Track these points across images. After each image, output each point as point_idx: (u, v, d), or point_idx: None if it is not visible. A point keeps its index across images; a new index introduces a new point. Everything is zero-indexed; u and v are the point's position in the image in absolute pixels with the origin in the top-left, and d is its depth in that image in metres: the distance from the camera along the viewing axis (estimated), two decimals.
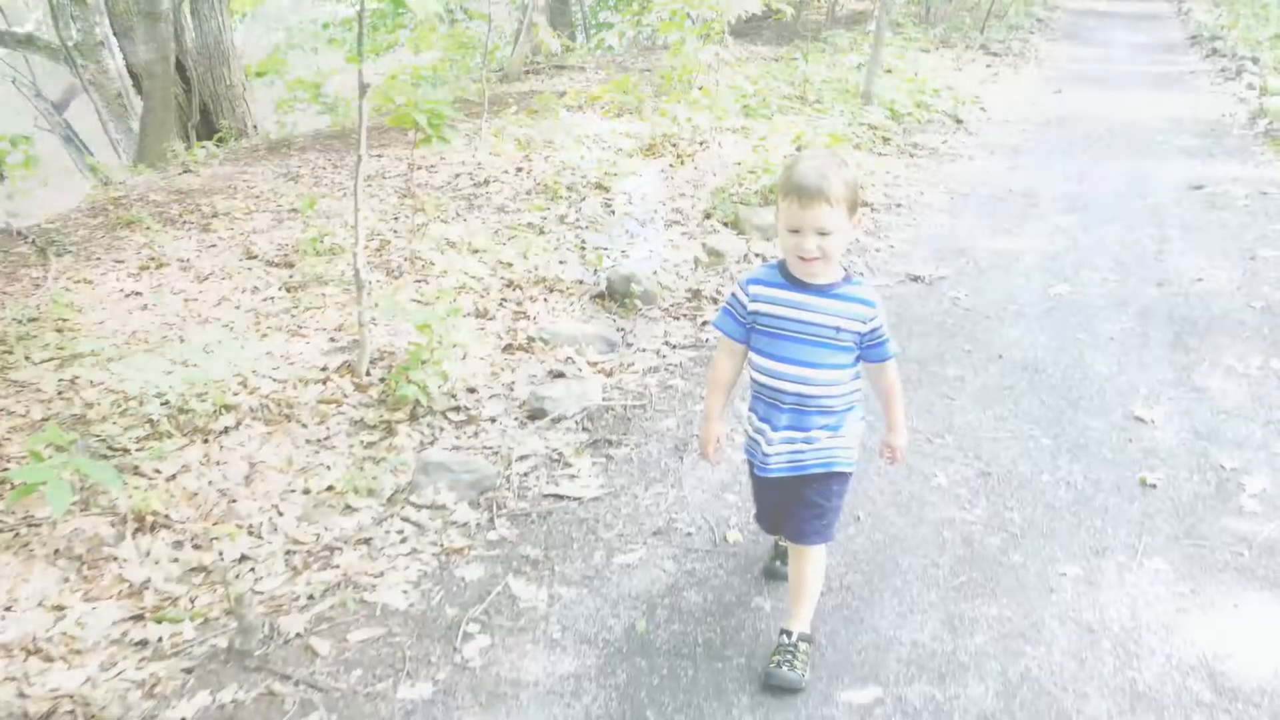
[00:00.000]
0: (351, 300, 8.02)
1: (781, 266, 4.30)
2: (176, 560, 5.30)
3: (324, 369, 7.27)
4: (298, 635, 4.83)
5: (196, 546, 5.42)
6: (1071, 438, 6.72)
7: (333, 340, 7.76)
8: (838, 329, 4.22)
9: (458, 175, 12.27)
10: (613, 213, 10.88)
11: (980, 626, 4.89)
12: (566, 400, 6.99)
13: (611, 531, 5.71)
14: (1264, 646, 4.76)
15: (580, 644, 4.80)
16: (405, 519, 5.76)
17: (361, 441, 6.51)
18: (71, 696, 4.35)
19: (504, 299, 8.69)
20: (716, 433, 4.66)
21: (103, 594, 5.03)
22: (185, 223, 10.62)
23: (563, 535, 5.68)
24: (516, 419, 6.92)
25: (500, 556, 5.48)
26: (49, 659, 4.58)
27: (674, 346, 8.18)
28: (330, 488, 6.01)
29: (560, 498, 6.07)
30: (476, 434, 6.74)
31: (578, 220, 10.66)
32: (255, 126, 17.62)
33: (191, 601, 5.04)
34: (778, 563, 5.25)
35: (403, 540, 5.59)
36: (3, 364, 7.19)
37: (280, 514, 5.75)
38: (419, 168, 12.47)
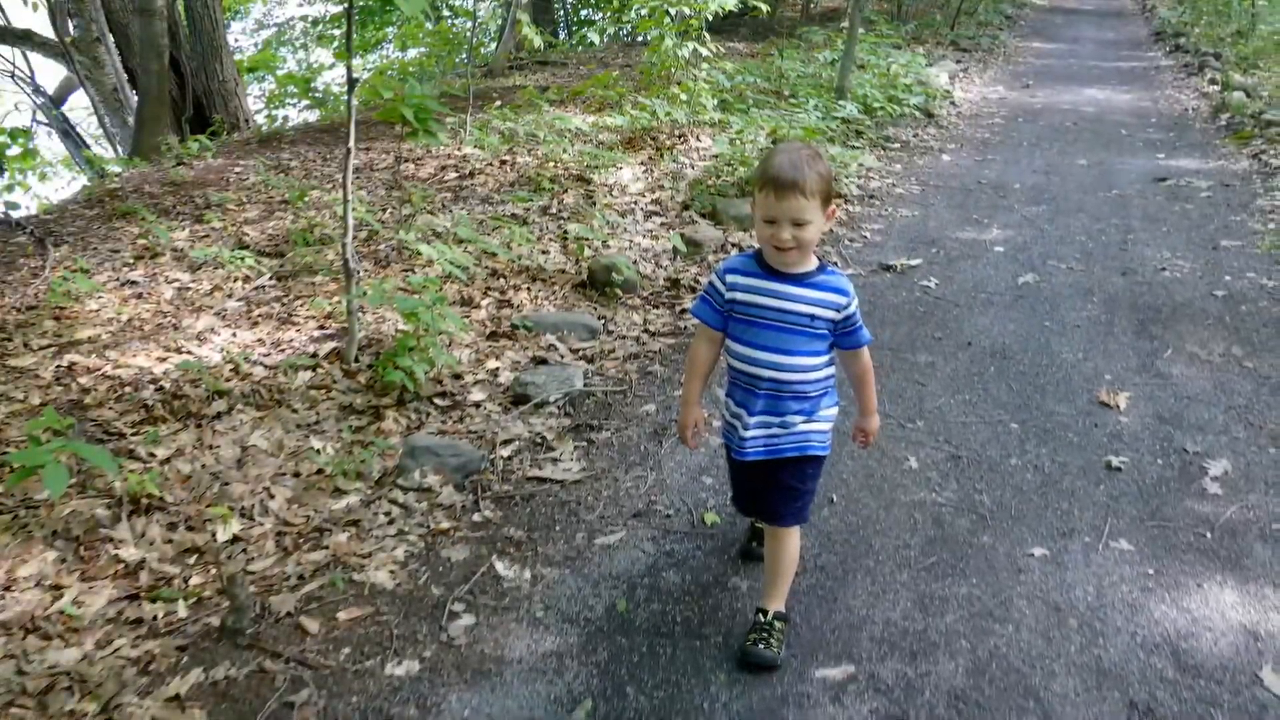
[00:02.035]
0: (340, 289, 8.01)
1: (758, 256, 4.30)
2: (171, 541, 5.29)
3: (314, 355, 7.26)
4: (288, 614, 4.82)
5: (190, 528, 5.42)
6: (1039, 422, 6.73)
7: (322, 328, 7.75)
8: (812, 317, 4.22)
9: (443, 168, 12.26)
10: (594, 204, 10.86)
11: (950, 606, 4.90)
12: (549, 386, 6.98)
13: (593, 514, 5.71)
14: (1225, 625, 4.77)
15: (562, 623, 4.80)
16: (393, 501, 5.76)
17: (350, 426, 6.50)
18: (69, 673, 4.34)
19: (488, 288, 8.68)
20: (695, 418, 4.66)
21: (99, 574, 5.02)
22: (179, 214, 10.62)
23: (545, 517, 5.68)
24: (500, 404, 6.92)
25: (485, 538, 5.48)
26: (47, 637, 4.57)
27: (653, 334, 8.18)
28: (320, 471, 6.00)
29: (543, 481, 6.06)
30: (462, 419, 6.73)
31: (560, 211, 10.65)
32: (247, 120, 17.64)
33: (185, 581, 5.03)
34: (754, 544, 5.25)
35: (390, 522, 5.59)
36: (2, 351, 7.17)
37: (271, 496, 5.74)
38: (406, 161, 12.47)
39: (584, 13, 36.71)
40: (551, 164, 12.16)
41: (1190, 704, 4.27)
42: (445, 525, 5.57)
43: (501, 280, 8.86)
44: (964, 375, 7.44)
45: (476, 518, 5.67)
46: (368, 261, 9.01)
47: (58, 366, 6.97)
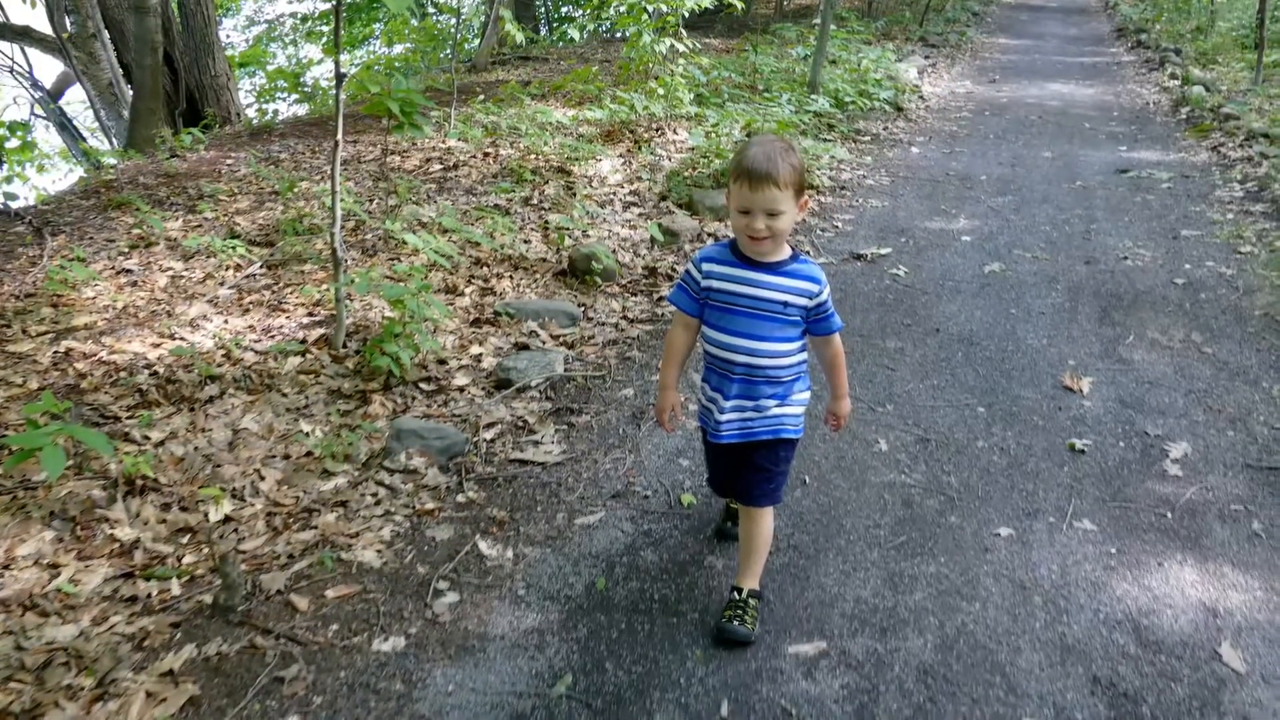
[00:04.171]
0: (329, 277, 8.01)
1: (733, 245, 4.30)
2: (164, 521, 5.28)
3: (303, 341, 7.24)
4: (278, 592, 4.82)
5: (183, 508, 5.41)
6: (1005, 406, 6.74)
7: (311, 315, 7.73)
8: (785, 304, 4.22)
9: (428, 160, 12.25)
10: (574, 195, 10.86)
11: (919, 584, 4.90)
12: (531, 371, 6.97)
13: (573, 494, 5.71)
14: (1185, 602, 4.78)
15: (544, 600, 4.80)
16: (379, 483, 5.75)
17: (338, 410, 6.49)
18: (66, 649, 4.33)
19: (472, 276, 8.67)
20: (671, 402, 4.65)
21: (95, 553, 5.01)
22: (173, 204, 10.59)
23: (527, 498, 5.68)
24: (484, 389, 6.91)
25: (468, 518, 5.48)
26: (45, 614, 4.56)
27: (632, 321, 8.18)
28: (309, 453, 5.99)
29: (525, 463, 6.06)
30: (446, 403, 6.72)
31: (541, 202, 10.65)
32: (238, 114, 17.64)
33: (179, 560, 5.02)
34: (729, 524, 5.26)
35: (377, 503, 5.58)
36: (1, 337, 7.15)
37: (262, 478, 5.73)
38: (392, 153, 12.45)
39: (564, 9, 36.72)
40: (533, 156, 12.15)
41: (1152, 679, 4.28)
42: (430, 506, 5.56)
43: (485, 269, 8.85)
44: (932, 361, 7.44)
45: (460, 498, 5.66)
46: (355, 250, 8.99)
47: (55, 352, 6.95)
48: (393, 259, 8.75)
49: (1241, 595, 4.84)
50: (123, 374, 6.67)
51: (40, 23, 19.09)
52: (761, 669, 4.33)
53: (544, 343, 7.62)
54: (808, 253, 9.44)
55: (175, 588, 4.82)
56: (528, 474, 5.94)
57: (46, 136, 22.38)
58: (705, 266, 4.33)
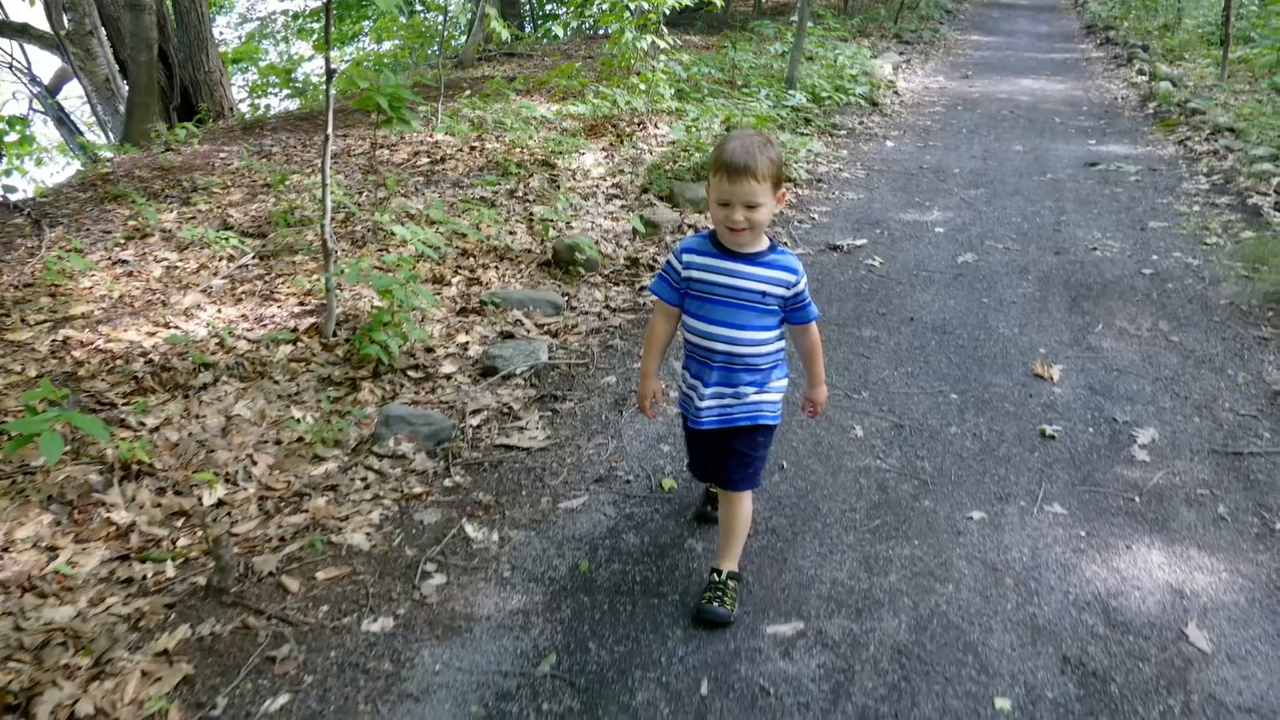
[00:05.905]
0: (319, 267, 7.99)
1: (712, 236, 4.29)
2: (159, 505, 5.27)
3: (294, 330, 7.23)
4: (270, 574, 4.81)
5: (178, 493, 5.40)
6: (977, 393, 6.74)
7: (302, 304, 7.72)
8: (764, 294, 4.22)
9: (416, 153, 12.23)
10: (558, 188, 10.85)
11: (894, 566, 4.90)
12: (516, 359, 6.97)
13: (557, 479, 5.70)
14: (1153, 584, 4.79)
15: (528, 582, 4.79)
16: (368, 467, 5.74)
17: (328, 397, 6.48)
18: (63, 630, 4.32)
19: (459, 266, 8.66)
20: (653, 389, 4.64)
21: (92, 536, 5.00)
22: (168, 197, 10.56)
23: (512, 482, 5.67)
24: (470, 376, 6.90)
25: (455, 502, 5.47)
26: (43, 595, 4.55)
27: (614, 310, 8.17)
28: (300, 439, 5.98)
29: (510, 448, 6.05)
30: (434, 390, 6.71)
31: (526, 194, 10.63)
32: (232, 109, 17.58)
33: (173, 543, 5.01)
34: (709, 508, 5.26)
35: (366, 487, 5.58)
36: (0, 326, 7.12)
37: (254, 463, 5.72)
38: (381, 147, 12.44)
39: (549, 7, 36.66)
40: (518, 150, 12.14)
41: (1120, 658, 4.29)
42: (418, 490, 5.56)
43: (471, 259, 8.83)
44: (906, 349, 7.44)
45: (447, 483, 5.66)
46: (345, 241, 8.98)
47: (53, 340, 6.94)
48: (382, 250, 8.73)
49: (1207, 577, 4.85)
50: (119, 362, 6.65)
51: (38, 20, 19.02)
52: (740, 649, 4.33)
53: (529, 331, 7.62)
54: (785, 244, 9.42)
55: (170, 570, 4.81)
56: (513, 459, 5.94)
57: (44, 131, 22.33)
58: (685, 257, 4.33)
